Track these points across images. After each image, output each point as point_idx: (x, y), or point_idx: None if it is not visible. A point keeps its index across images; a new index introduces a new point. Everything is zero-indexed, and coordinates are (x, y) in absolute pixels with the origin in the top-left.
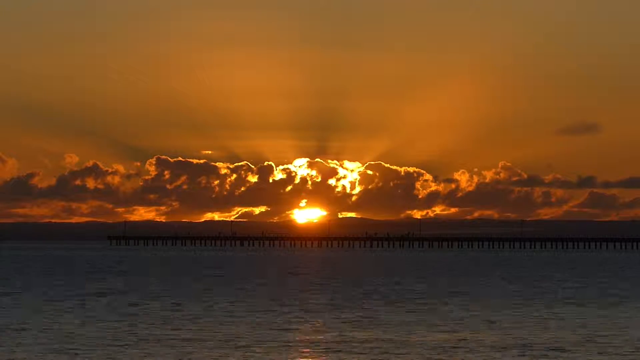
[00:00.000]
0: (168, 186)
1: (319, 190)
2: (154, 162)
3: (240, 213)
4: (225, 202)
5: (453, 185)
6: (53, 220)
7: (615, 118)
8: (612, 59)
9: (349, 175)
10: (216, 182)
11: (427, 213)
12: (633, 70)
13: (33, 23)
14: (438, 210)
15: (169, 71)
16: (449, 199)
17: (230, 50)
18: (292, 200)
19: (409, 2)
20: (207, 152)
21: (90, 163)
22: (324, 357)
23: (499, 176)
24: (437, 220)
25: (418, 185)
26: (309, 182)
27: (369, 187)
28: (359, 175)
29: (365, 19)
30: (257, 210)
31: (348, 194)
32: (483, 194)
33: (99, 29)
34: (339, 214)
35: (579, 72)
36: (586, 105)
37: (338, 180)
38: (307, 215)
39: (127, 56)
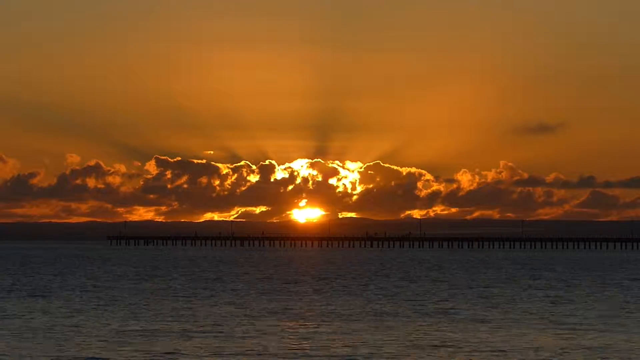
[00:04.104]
0: (168, 186)
1: (320, 190)
2: (154, 162)
3: (240, 213)
4: (225, 202)
5: (454, 186)
6: (53, 220)
7: (616, 118)
8: (613, 60)
9: (350, 175)
10: (217, 182)
11: (427, 213)
12: (635, 71)
13: (33, 24)
14: (438, 210)
15: (169, 71)
16: (449, 199)
17: (231, 50)
18: (292, 200)
19: (410, 3)
20: (208, 152)
21: (92, 162)
22: None
23: (501, 176)
24: (437, 220)
25: (419, 185)
26: (310, 182)
27: (370, 187)
28: (360, 175)
29: (366, 20)
30: (257, 210)
31: (349, 193)
32: (483, 194)
33: (99, 29)
34: (339, 214)
35: (581, 72)
36: (588, 105)
37: (339, 180)
38: (307, 215)
39: (128, 56)
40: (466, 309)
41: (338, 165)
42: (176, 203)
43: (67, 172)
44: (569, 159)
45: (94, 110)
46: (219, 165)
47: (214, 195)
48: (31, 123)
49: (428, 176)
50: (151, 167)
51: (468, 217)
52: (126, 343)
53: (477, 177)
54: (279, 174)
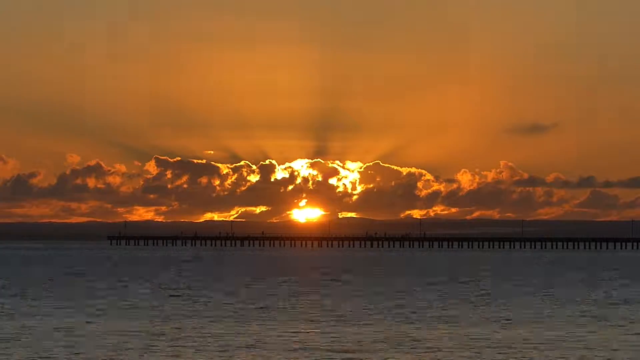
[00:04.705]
0: (168, 186)
1: (320, 190)
2: (154, 162)
3: (240, 213)
4: (225, 202)
5: (454, 186)
6: (53, 220)
7: (616, 118)
8: (613, 59)
9: (350, 175)
10: (217, 182)
11: (427, 213)
12: (636, 71)
13: (33, 23)
14: (438, 210)
15: (169, 71)
16: (449, 199)
17: (231, 50)
18: (292, 200)
19: (409, 2)
20: (208, 152)
21: (92, 162)
22: None
23: (501, 176)
24: (437, 220)
25: (420, 185)
26: (310, 182)
27: (370, 187)
28: (360, 175)
29: (366, 19)
30: (257, 210)
31: (349, 193)
32: (483, 194)
33: (99, 28)
34: (339, 214)
35: (581, 72)
36: (588, 105)
37: (339, 180)
38: (307, 215)
39: (128, 56)
40: None
41: (338, 165)
42: (176, 203)
43: (67, 172)
44: (569, 159)
45: (94, 110)
46: (219, 165)
47: (214, 195)
48: (31, 123)
49: (428, 176)
50: (151, 167)
51: (468, 217)
52: None
53: (477, 177)
54: (279, 173)
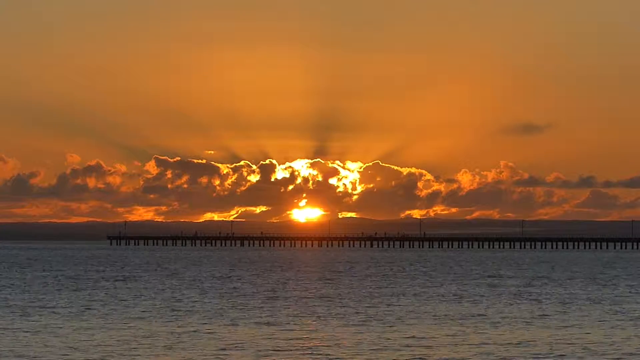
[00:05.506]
0: (168, 186)
1: (320, 190)
2: (154, 162)
3: (240, 213)
4: (225, 202)
5: (454, 186)
6: (53, 220)
7: (616, 118)
8: (613, 59)
9: (350, 175)
10: (217, 182)
11: (427, 213)
12: (636, 71)
13: (33, 23)
14: (438, 210)
15: (169, 71)
16: (449, 199)
17: (231, 50)
18: (292, 200)
19: (409, 2)
20: (209, 152)
21: (92, 162)
22: None
23: (501, 176)
24: (437, 220)
25: (420, 185)
26: (310, 182)
27: (370, 187)
28: (360, 175)
29: (366, 19)
30: (257, 210)
31: (349, 193)
32: (483, 194)
33: (100, 29)
34: (339, 214)
35: (582, 72)
36: (588, 106)
37: (339, 180)
38: (307, 215)
39: (128, 56)
40: None
41: (338, 165)
42: (176, 203)
43: (67, 172)
44: (569, 159)
45: (94, 110)
46: (219, 165)
47: (214, 195)
48: (31, 123)
49: (428, 176)
50: (151, 167)
51: (468, 217)
52: None
53: (477, 177)
54: (279, 173)
